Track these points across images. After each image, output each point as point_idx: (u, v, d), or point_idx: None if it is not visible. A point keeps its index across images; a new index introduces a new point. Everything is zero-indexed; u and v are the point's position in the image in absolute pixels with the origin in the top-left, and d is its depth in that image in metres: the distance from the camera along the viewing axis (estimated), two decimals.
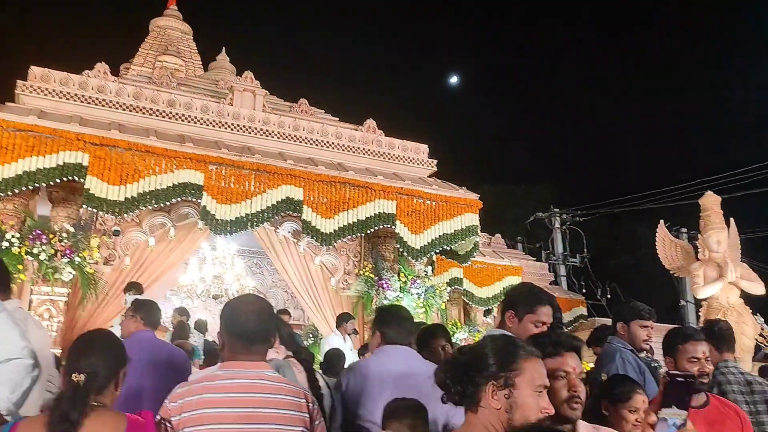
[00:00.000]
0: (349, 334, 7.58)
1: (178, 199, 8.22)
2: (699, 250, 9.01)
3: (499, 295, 11.63)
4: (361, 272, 9.54)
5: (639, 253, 20.34)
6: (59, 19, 26.13)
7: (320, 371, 5.75)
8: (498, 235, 14.42)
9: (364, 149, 10.16)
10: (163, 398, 2.18)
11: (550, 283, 14.33)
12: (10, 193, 7.43)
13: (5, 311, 2.61)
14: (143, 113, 8.98)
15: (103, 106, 8.79)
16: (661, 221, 9.73)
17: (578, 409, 1.97)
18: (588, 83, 32.37)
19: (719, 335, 3.45)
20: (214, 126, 9.35)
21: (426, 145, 10.68)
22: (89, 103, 8.73)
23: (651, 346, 3.51)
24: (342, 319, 7.73)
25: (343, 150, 10.02)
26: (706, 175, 14.43)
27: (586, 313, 14.30)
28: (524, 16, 36.63)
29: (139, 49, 15.15)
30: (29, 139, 7.53)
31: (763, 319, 9.26)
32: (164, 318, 9.69)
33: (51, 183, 7.65)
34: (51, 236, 7.48)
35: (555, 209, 18.93)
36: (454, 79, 32.64)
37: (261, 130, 9.61)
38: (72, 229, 7.76)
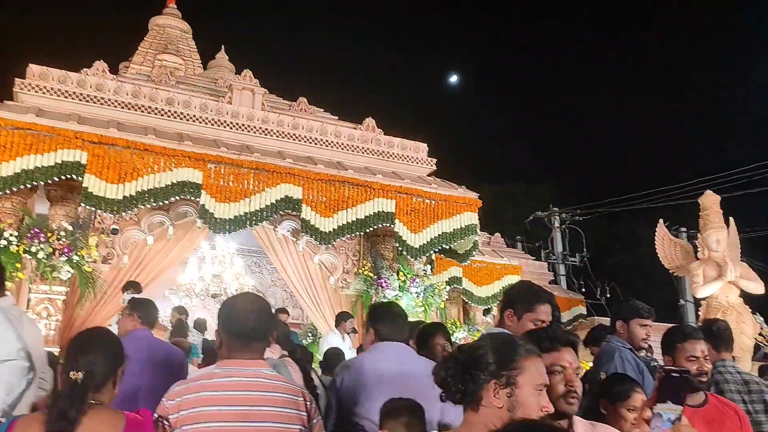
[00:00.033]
0: (348, 333, 7.58)
1: (177, 197, 8.20)
2: (698, 249, 9.00)
3: (498, 295, 11.62)
4: (360, 271, 9.54)
5: (638, 252, 20.35)
6: (58, 18, 26.14)
7: (320, 370, 5.76)
8: (497, 234, 14.42)
9: (363, 148, 10.15)
10: (159, 397, 2.18)
11: (549, 283, 14.34)
12: (8, 192, 7.41)
13: (0, 310, 2.60)
14: (142, 111, 8.96)
15: (101, 104, 8.77)
16: (661, 220, 9.73)
17: (575, 404, 1.98)
18: (588, 83, 32.41)
19: (717, 335, 3.45)
20: (212, 124, 9.34)
21: (425, 144, 10.67)
22: (88, 101, 8.71)
23: (650, 345, 3.50)
24: (341, 318, 7.73)
25: (343, 149, 10.01)
26: (705, 174, 14.44)
27: (585, 313, 14.31)
28: (524, 16, 36.66)
29: (139, 48, 15.14)
30: (27, 137, 7.51)
31: (762, 319, 9.25)
32: (163, 317, 9.73)
33: (49, 181, 7.63)
34: (49, 235, 7.47)
35: (554, 208, 18.93)
36: (453, 79, 32.66)
37: (260, 128, 9.59)
38: (70, 228, 7.75)
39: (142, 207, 8.05)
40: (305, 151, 9.64)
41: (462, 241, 9.68)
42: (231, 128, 9.41)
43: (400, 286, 9.32)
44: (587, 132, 30.64)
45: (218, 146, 8.68)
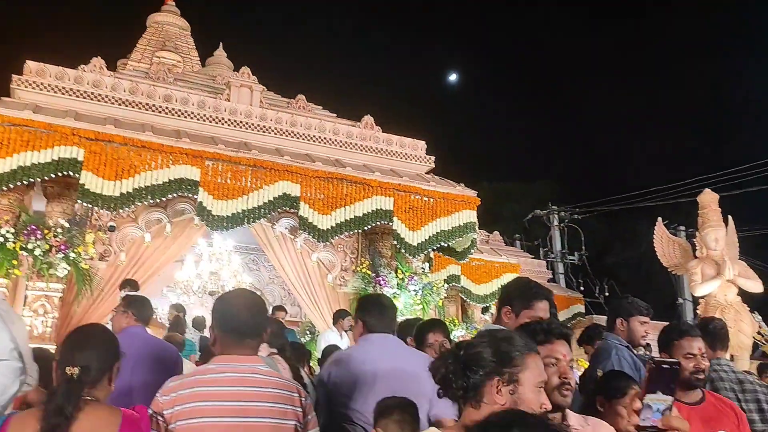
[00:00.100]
0: (345, 331, 7.55)
1: (175, 194, 8.18)
2: (697, 247, 9.01)
3: (496, 293, 11.60)
4: (358, 269, 9.53)
5: (637, 251, 20.35)
6: (56, 15, 26.06)
7: (318, 368, 5.75)
8: (496, 233, 14.43)
9: (361, 145, 10.13)
10: (153, 393, 2.16)
11: (548, 281, 14.34)
12: (4, 188, 7.38)
13: None
14: (139, 108, 8.94)
15: (98, 100, 8.74)
16: (659, 219, 9.74)
17: (568, 396, 1.99)
18: (587, 81, 32.38)
19: (713, 333, 3.45)
20: (210, 121, 9.31)
21: (424, 142, 10.66)
22: (85, 97, 8.68)
23: (648, 343, 3.50)
24: (339, 316, 7.70)
25: (341, 146, 9.99)
26: (704, 172, 14.44)
27: (584, 311, 14.34)
28: (524, 12, 36.62)
29: (137, 45, 15.12)
30: (24, 133, 7.48)
31: (760, 317, 9.26)
32: (161, 315, 9.73)
33: (46, 178, 7.60)
34: (46, 231, 7.45)
35: (553, 207, 18.93)
36: (453, 77, 32.66)
37: (258, 125, 9.57)
38: (67, 225, 7.73)
39: (140, 204, 8.02)
40: (303, 148, 9.62)
41: (460, 239, 9.66)
42: (229, 125, 9.39)
43: (398, 284, 9.31)
44: (587, 131, 30.67)
45: (216, 143, 8.66)
